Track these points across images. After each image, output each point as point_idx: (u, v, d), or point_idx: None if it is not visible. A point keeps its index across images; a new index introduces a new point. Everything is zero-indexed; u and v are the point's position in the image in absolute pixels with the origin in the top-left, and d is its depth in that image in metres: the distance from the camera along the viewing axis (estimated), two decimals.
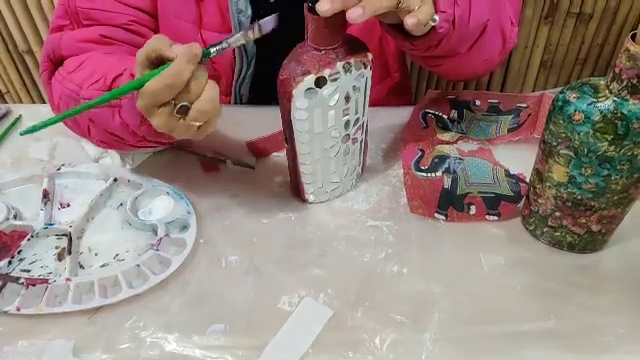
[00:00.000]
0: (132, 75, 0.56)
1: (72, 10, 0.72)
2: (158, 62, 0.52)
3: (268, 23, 0.53)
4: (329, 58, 0.56)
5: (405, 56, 0.93)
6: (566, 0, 1.27)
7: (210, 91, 0.52)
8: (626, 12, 1.29)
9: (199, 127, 0.53)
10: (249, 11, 0.75)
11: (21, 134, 0.54)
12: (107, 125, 0.62)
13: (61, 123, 0.71)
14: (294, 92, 0.56)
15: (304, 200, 0.69)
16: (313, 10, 0.52)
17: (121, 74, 0.61)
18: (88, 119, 0.64)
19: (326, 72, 0.56)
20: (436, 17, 0.57)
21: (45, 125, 0.53)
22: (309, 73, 0.55)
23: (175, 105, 0.51)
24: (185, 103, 0.51)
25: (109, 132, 0.63)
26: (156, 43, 0.51)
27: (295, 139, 0.61)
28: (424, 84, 1.39)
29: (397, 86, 0.92)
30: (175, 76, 0.50)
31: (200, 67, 0.51)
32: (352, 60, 0.57)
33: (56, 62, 0.72)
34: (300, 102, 0.57)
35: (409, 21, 0.54)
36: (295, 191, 0.70)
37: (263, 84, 0.84)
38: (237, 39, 0.53)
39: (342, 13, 0.52)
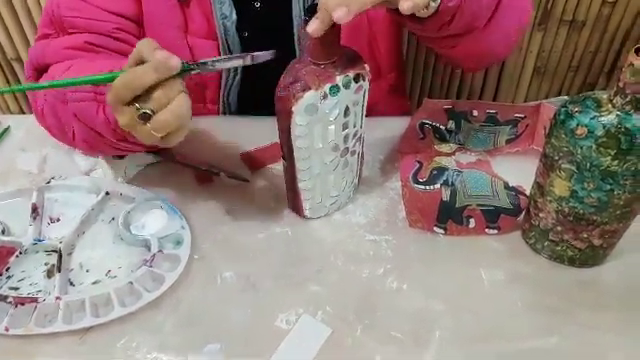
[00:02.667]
0: None
1: (57, 19, 0.71)
2: None
3: (262, 57, 0.52)
4: (329, 72, 0.55)
5: (400, 56, 0.91)
6: (559, 7, 1.26)
7: (178, 105, 0.50)
8: (618, 20, 1.29)
9: (162, 137, 0.51)
10: (234, 16, 0.74)
11: None
12: (91, 120, 0.62)
13: (48, 134, 0.70)
14: (294, 109, 0.55)
15: (303, 216, 0.68)
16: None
17: (111, 71, 0.59)
18: (73, 114, 0.63)
19: (326, 87, 0.54)
20: None
21: (22, 89, 0.53)
22: (309, 89, 0.54)
23: (138, 109, 0.50)
24: (147, 110, 0.50)
25: (92, 129, 0.62)
26: (141, 46, 0.51)
27: (294, 156, 0.60)
28: (419, 85, 1.38)
29: (392, 88, 0.90)
30: (134, 77, 0.49)
31: (175, 80, 0.50)
32: (351, 73, 0.56)
33: (40, 70, 0.71)
34: (300, 118, 0.55)
35: (405, 5, 0.50)
36: (293, 207, 0.68)
37: (251, 91, 0.83)
38: (223, 62, 0.53)
39: (338, 26, 0.51)
